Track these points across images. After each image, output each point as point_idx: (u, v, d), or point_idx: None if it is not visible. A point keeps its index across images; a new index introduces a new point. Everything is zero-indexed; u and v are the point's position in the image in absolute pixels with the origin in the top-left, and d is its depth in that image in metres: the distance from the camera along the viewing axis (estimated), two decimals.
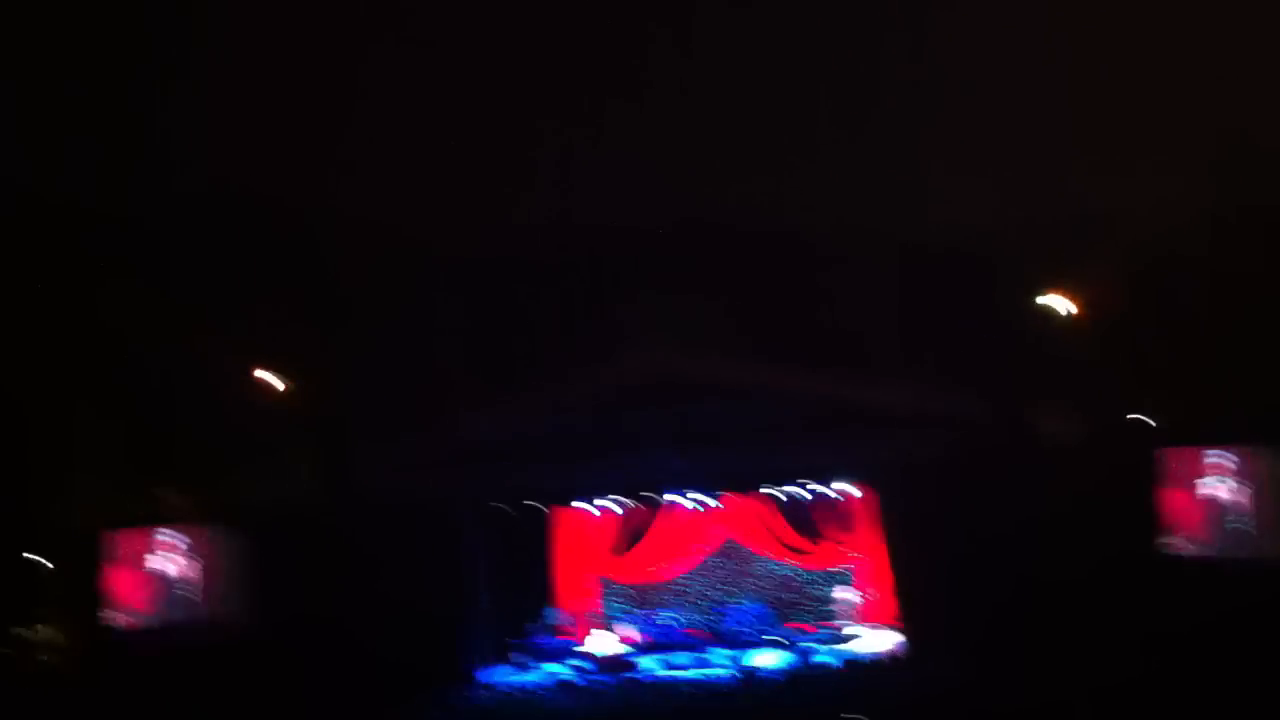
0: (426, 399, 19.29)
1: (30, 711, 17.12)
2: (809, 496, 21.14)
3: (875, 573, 21.20)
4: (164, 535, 19.27)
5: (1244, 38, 15.37)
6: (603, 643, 20.76)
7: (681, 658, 19.97)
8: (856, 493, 21.02)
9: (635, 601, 22.42)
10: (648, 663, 19.88)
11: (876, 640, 20.23)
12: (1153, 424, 18.13)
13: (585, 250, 19.28)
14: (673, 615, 21.84)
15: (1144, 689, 14.14)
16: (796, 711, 15.99)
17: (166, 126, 16.70)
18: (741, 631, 20.87)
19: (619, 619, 21.95)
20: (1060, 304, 17.74)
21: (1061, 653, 15.85)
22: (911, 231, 18.03)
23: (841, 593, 21.66)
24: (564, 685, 18.71)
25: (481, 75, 16.76)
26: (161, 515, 19.29)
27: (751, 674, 18.54)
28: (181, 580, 19.48)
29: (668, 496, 21.15)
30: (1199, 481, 17.29)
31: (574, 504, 21.46)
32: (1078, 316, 17.64)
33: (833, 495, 21.15)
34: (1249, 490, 16.76)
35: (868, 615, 21.33)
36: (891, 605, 20.41)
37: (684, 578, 22.39)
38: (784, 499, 21.29)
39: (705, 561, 22.43)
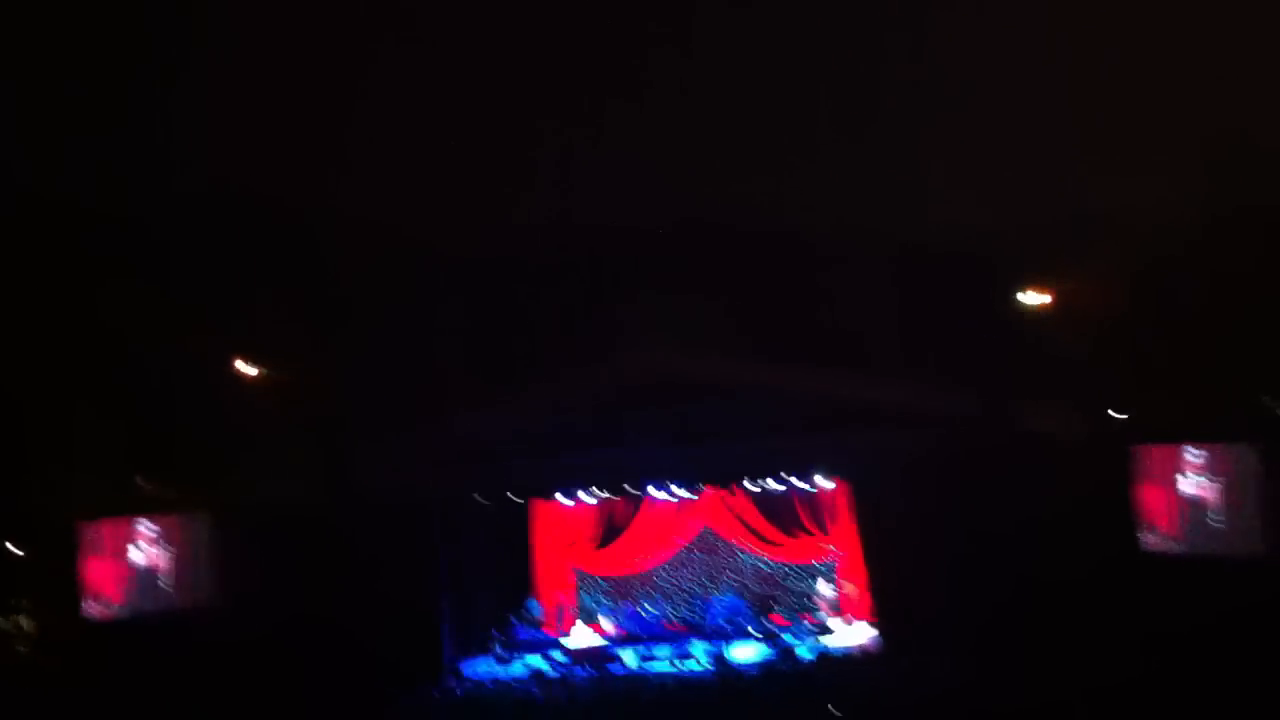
0: (417, 396, 19.33)
1: (8, 704, 17.12)
2: (788, 491, 21.29)
3: (853, 567, 21.35)
4: (143, 526, 19.33)
5: (1244, 38, 15.38)
6: (582, 635, 20.86)
7: (661, 651, 20.07)
8: (834, 487, 21.18)
9: (615, 595, 22.54)
10: (627, 656, 19.98)
11: (854, 634, 20.38)
12: (1132, 422, 18.18)
13: (585, 250, 19.30)
14: (652, 608, 21.95)
15: (1130, 685, 14.20)
16: (774, 705, 16.08)
17: (166, 126, 16.67)
18: (720, 625, 20.99)
19: (599, 612, 22.06)
20: (1043, 300, 17.82)
21: (1042, 648, 15.93)
22: (909, 231, 18.05)
23: (820, 587, 21.82)
24: (544, 678, 18.78)
25: (481, 75, 16.75)
26: (142, 506, 19.34)
27: (730, 667, 18.63)
28: (161, 571, 19.54)
29: (648, 490, 21.29)
30: (1176, 479, 17.38)
31: (554, 497, 21.56)
32: (1058, 312, 17.72)
33: (811, 489, 21.31)
34: (1225, 487, 16.85)
35: (846, 609, 21.50)
36: (869, 600, 20.57)
37: (664, 571, 22.54)
38: (763, 493, 21.41)
39: (685, 555, 22.58)
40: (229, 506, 19.41)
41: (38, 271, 18.45)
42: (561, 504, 21.89)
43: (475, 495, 20.51)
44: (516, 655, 20.68)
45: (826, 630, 20.67)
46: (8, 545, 19.90)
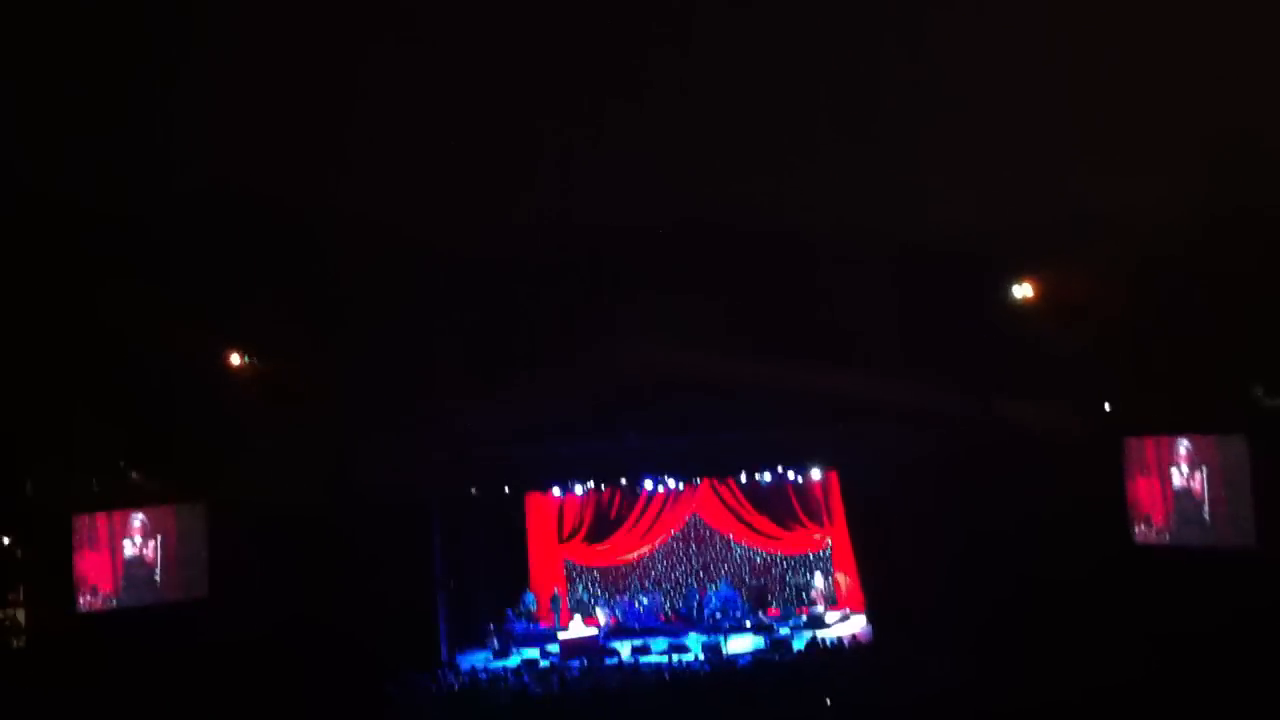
0: (412, 392, 19.38)
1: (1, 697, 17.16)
2: (781, 483, 21.43)
3: (846, 559, 21.51)
4: (137, 519, 19.40)
5: (1244, 38, 15.39)
6: (577, 628, 20.97)
7: (655, 643, 20.18)
8: (827, 480, 21.32)
9: (609, 587, 22.66)
10: (622, 648, 20.08)
11: (847, 626, 20.52)
12: (1124, 415, 18.27)
13: (581, 249, 19.31)
14: (647, 600, 22.04)
15: (1125, 678, 14.24)
16: (768, 696, 16.17)
17: (166, 126, 16.66)
18: (715, 617, 21.09)
19: (594, 604, 22.16)
20: (1038, 296, 17.88)
21: (1036, 642, 16.02)
22: (907, 229, 18.08)
23: (813, 579, 21.94)
24: (539, 670, 18.85)
25: (481, 75, 16.73)
26: (135, 499, 19.41)
27: (724, 659, 18.72)
28: (154, 564, 19.60)
29: (643, 483, 21.44)
30: (1168, 471, 17.47)
31: (549, 490, 21.68)
32: (1051, 308, 17.79)
33: (804, 482, 21.45)
34: (1215, 479, 16.93)
35: (839, 601, 21.63)
36: (861, 591, 20.72)
37: (659, 564, 22.68)
38: (757, 486, 21.54)
39: (679, 548, 22.73)
40: (222, 500, 19.49)
41: (37, 271, 18.46)
42: (556, 497, 21.99)
43: (470, 489, 20.59)
44: (511, 648, 20.75)
45: (820, 622, 20.78)
46: (2, 539, 19.95)
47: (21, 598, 19.76)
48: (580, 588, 22.88)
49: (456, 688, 18.44)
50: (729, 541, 22.84)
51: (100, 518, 19.54)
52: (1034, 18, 15.81)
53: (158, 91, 16.26)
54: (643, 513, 22.59)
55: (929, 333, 18.62)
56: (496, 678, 18.74)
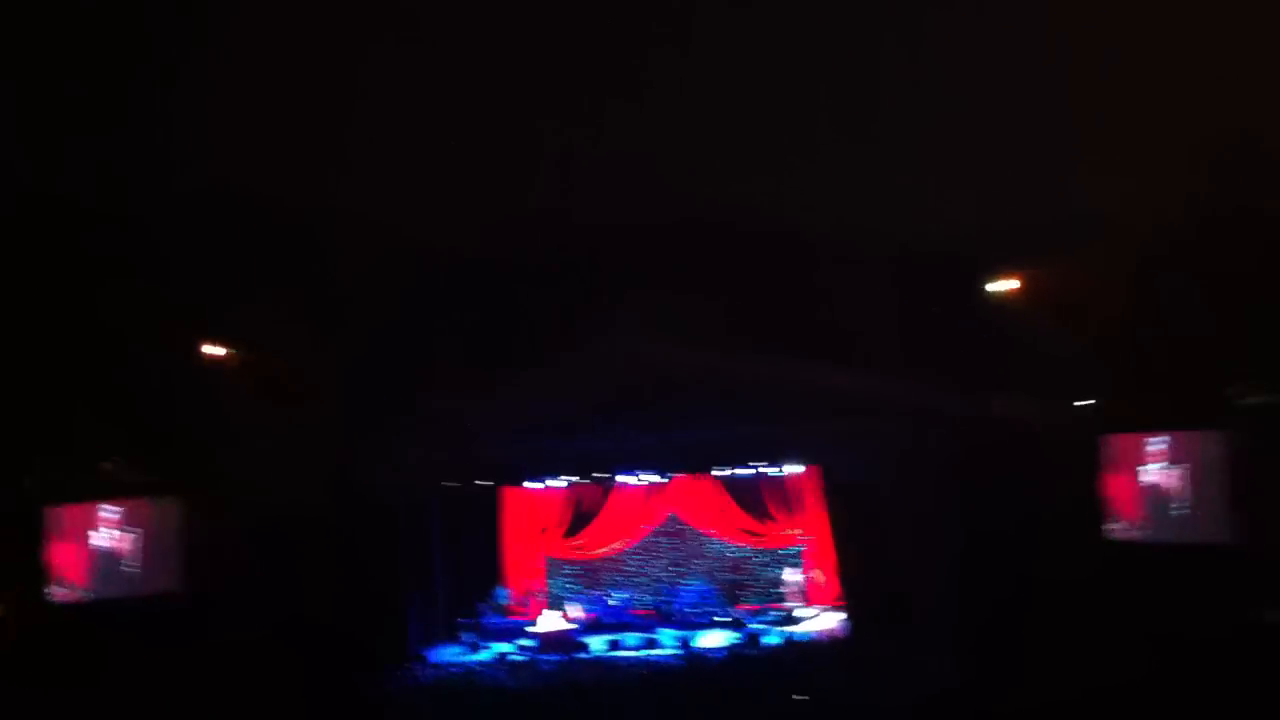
0: (388, 386, 19.40)
1: None
2: (756, 478, 21.48)
3: (821, 554, 21.56)
4: (109, 511, 19.43)
5: (1244, 38, 15.39)
6: (551, 622, 21.01)
7: (630, 638, 20.24)
8: (803, 474, 21.36)
9: (584, 581, 22.71)
10: (596, 643, 20.13)
11: (823, 621, 20.58)
12: (1103, 411, 18.33)
13: (570, 247, 19.34)
14: (622, 595, 22.09)
15: (1105, 680, 14.28)
16: (743, 692, 16.20)
17: (166, 126, 16.66)
18: (690, 612, 21.15)
19: (568, 599, 22.22)
20: (1022, 291, 17.90)
21: (1013, 636, 16.04)
22: (905, 228, 18.10)
23: (790, 574, 22.01)
24: (513, 664, 18.89)
25: (481, 75, 16.74)
26: (108, 490, 19.44)
27: (699, 654, 18.77)
28: (126, 556, 19.64)
29: (619, 477, 21.48)
30: (1141, 468, 17.51)
31: (524, 484, 21.70)
32: (1036, 304, 17.82)
33: (780, 477, 21.50)
34: (1190, 475, 16.97)
35: (816, 597, 21.69)
36: (836, 586, 20.78)
37: (634, 558, 22.75)
38: (734, 480, 21.59)
39: (654, 542, 22.81)
40: (198, 494, 19.51)
41: (35, 269, 18.48)
42: (531, 490, 22.02)
43: (444, 482, 20.62)
44: (485, 642, 20.79)
45: (794, 618, 20.83)
46: None
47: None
48: (555, 582, 22.94)
49: (429, 682, 18.48)
50: (702, 536, 22.91)
51: (72, 508, 19.60)
52: (1034, 18, 15.80)
53: (158, 91, 16.25)
54: (619, 507, 22.65)
55: (923, 330, 18.64)
56: (469, 672, 18.81)
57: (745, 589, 22.54)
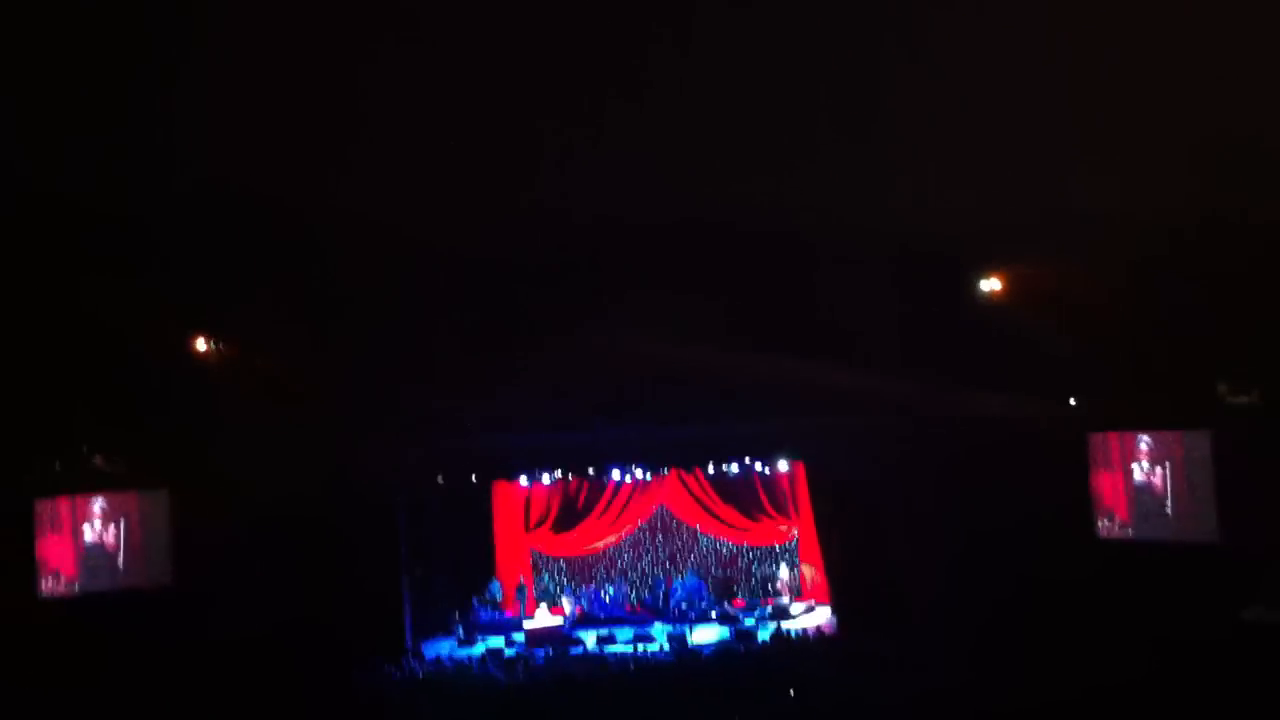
0: (377, 382, 19.43)
1: None
2: (748, 474, 21.56)
3: (812, 550, 21.67)
4: (100, 504, 19.42)
5: (1244, 38, 15.45)
6: (543, 617, 21.08)
7: (622, 633, 20.32)
8: (794, 471, 21.45)
9: (576, 577, 22.78)
10: (587, 638, 20.20)
11: (813, 617, 20.70)
12: (1094, 409, 18.44)
13: (577, 247, 19.37)
14: (613, 590, 22.16)
15: (1102, 680, 14.39)
16: (734, 687, 16.32)
17: (166, 126, 16.64)
18: (680, 608, 21.24)
19: (560, 594, 22.28)
20: (1015, 289, 17.97)
21: (1002, 633, 16.16)
22: (902, 228, 18.15)
23: (780, 570, 22.08)
24: (504, 659, 18.96)
25: (481, 75, 16.73)
26: (98, 483, 19.43)
27: (689, 650, 18.85)
28: (116, 549, 19.64)
29: (610, 473, 21.55)
30: (1135, 465, 17.61)
31: (516, 479, 21.76)
32: (1026, 301, 17.90)
33: (771, 473, 21.58)
34: (1184, 474, 17.09)
35: (806, 592, 21.80)
36: (827, 583, 20.89)
37: (625, 554, 22.80)
38: (725, 476, 21.66)
39: (646, 538, 22.87)
40: (188, 488, 19.53)
41: (35, 267, 18.45)
42: (523, 486, 22.07)
43: (437, 478, 20.67)
44: (477, 637, 20.85)
45: (785, 613, 20.92)
46: None
47: None
48: (546, 577, 23.00)
49: (421, 676, 18.54)
50: (695, 532, 22.98)
51: (62, 501, 19.60)
52: (1034, 18, 15.83)
53: (158, 91, 16.22)
54: (610, 502, 22.72)
55: (917, 329, 18.71)
56: (461, 666, 18.87)
57: (737, 585, 22.61)
